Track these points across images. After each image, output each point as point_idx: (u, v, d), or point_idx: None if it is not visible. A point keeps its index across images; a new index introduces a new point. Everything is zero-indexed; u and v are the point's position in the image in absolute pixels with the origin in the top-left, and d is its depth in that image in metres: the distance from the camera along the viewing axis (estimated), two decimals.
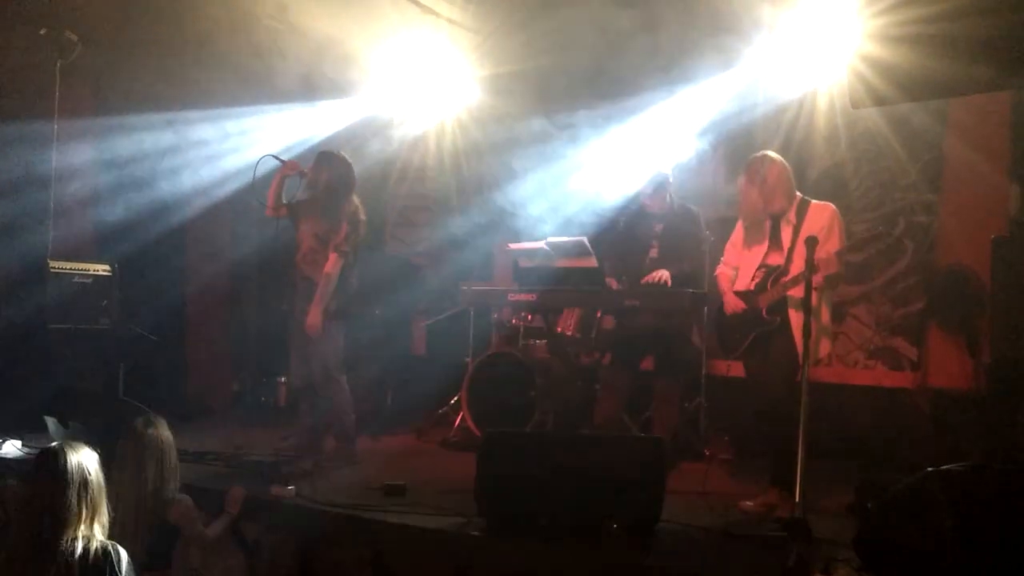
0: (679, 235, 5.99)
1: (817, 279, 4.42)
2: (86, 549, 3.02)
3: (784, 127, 6.73)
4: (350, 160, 5.88)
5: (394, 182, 8.71)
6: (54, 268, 6.47)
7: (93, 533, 3.10)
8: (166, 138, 7.39)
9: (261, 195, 5.83)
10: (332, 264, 5.66)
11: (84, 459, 3.18)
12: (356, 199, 5.86)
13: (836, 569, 3.75)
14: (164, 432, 4.14)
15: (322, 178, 5.75)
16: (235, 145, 7.49)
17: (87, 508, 3.11)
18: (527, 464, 4.25)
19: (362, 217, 5.87)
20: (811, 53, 6.31)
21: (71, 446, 3.21)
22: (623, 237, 6.29)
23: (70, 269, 6.54)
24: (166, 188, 7.49)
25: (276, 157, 5.79)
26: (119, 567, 3.05)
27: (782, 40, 6.35)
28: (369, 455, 6.14)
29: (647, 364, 6.20)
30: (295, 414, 6.59)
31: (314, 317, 5.61)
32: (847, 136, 6.72)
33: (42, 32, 6.44)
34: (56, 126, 6.67)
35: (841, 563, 3.77)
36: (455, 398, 7.03)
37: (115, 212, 7.27)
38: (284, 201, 5.88)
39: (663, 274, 5.79)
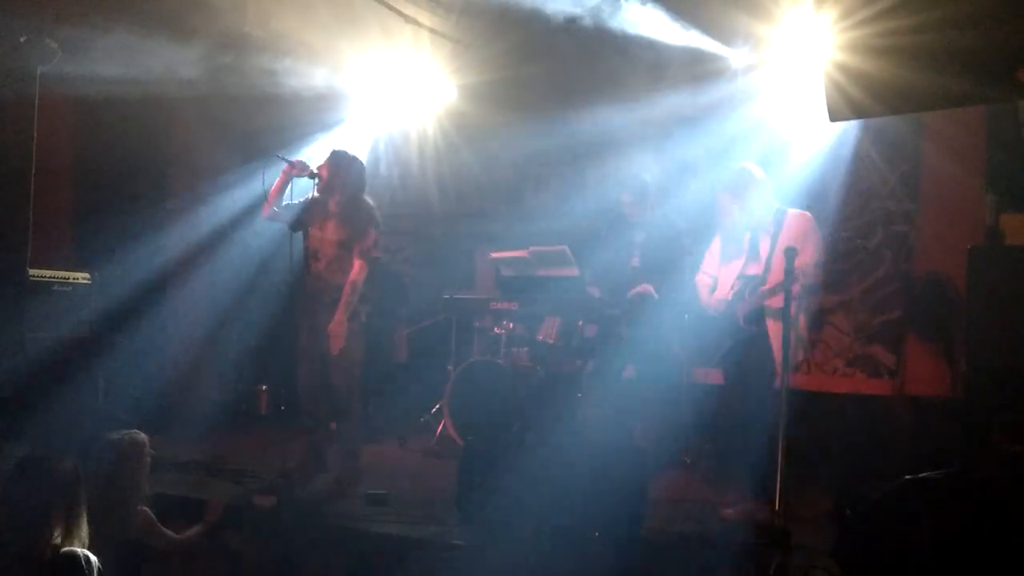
0: (660, 245, 6.01)
1: (795, 289, 4.45)
2: (57, 558, 3.01)
3: (763, 137, 6.77)
4: (360, 159, 5.70)
5: (377, 190, 8.69)
6: (33, 276, 6.42)
7: (70, 543, 3.08)
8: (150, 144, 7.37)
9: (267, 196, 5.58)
10: (359, 271, 5.47)
11: (65, 468, 3.17)
12: (370, 200, 5.71)
13: None
14: (132, 447, 4.09)
15: (340, 180, 5.53)
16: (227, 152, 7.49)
17: (65, 518, 3.09)
18: (509, 472, 4.26)
19: (379, 219, 5.72)
20: (790, 64, 6.37)
21: (52, 455, 3.19)
22: (604, 246, 6.30)
23: (49, 277, 6.49)
24: (148, 195, 7.45)
25: (283, 157, 5.52)
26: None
27: (761, 50, 6.41)
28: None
29: (628, 372, 6.22)
30: (279, 424, 6.56)
31: (339, 325, 5.40)
32: (826, 146, 6.77)
33: (22, 39, 6.40)
34: (36, 134, 6.63)
35: (820, 570, 3.80)
36: (437, 406, 7.02)
37: (96, 219, 7.22)
38: (284, 204, 5.60)
39: (647, 287, 5.82)
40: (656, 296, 5.77)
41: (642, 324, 5.81)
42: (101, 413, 5.85)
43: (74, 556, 3.03)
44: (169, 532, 4.18)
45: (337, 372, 5.53)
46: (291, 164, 5.49)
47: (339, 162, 5.56)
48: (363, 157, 5.84)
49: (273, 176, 5.55)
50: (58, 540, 3.03)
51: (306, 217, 5.61)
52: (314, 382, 5.61)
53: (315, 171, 5.53)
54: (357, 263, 5.49)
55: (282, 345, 5.98)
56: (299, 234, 5.63)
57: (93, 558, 3.08)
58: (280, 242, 6.27)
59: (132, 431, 4.16)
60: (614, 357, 6.04)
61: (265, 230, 5.80)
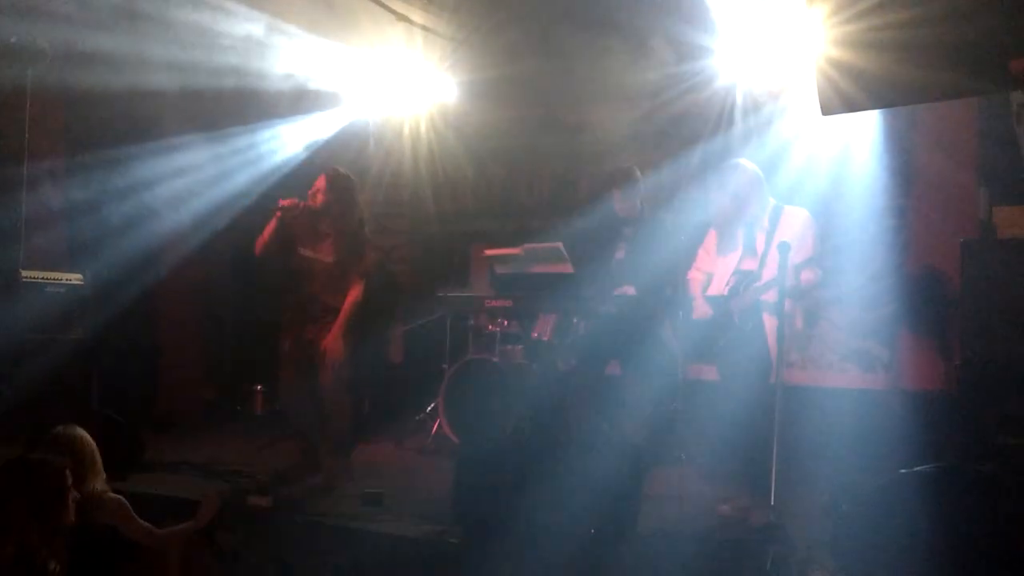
0: (649, 238, 5.98)
1: (790, 284, 4.45)
2: (17, 561, 3.00)
3: (756, 132, 6.77)
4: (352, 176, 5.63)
5: (369, 189, 8.70)
6: (26, 277, 6.41)
7: (50, 544, 3.08)
8: (146, 146, 7.35)
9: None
10: (359, 293, 5.45)
11: (52, 471, 3.16)
12: (363, 211, 5.67)
13: (812, 571, 3.79)
14: (78, 434, 4.05)
15: (338, 203, 5.45)
16: (216, 158, 7.47)
17: (48, 519, 3.09)
18: (504, 471, 4.26)
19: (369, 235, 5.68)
20: (781, 58, 6.37)
21: (41, 457, 3.18)
22: (590, 236, 6.26)
23: (42, 278, 6.47)
24: (141, 196, 7.43)
25: (276, 208, 5.39)
26: None
27: (752, 46, 6.41)
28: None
29: (623, 369, 6.22)
30: (275, 426, 6.54)
31: (336, 344, 5.35)
32: (818, 140, 6.78)
33: (12, 40, 6.38)
34: (27, 136, 6.60)
35: (817, 565, 3.80)
36: (432, 405, 7.01)
37: (88, 221, 7.20)
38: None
39: (628, 290, 5.81)
40: (634, 294, 5.74)
41: (635, 321, 5.81)
42: (94, 414, 5.82)
43: (33, 561, 3.02)
44: (149, 525, 4.15)
45: (324, 374, 5.48)
46: (282, 209, 5.37)
47: (336, 183, 5.48)
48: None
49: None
50: (26, 546, 3.02)
51: (292, 236, 5.51)
52: (300, 387, 5.57)
53: (303, 203, 5.42)
54: (358, 285, 5.46)
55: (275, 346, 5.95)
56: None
57: (56, 565, 3.07)
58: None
59: (69, 425, 4.12)
60: (607, 354, 6.04)
61: (257, 225, 5.77)
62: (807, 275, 4.65)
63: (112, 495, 4.06)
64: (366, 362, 6.39)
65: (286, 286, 5.63)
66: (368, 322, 5.79)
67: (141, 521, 4.10)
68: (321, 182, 5.48)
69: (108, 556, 3.98)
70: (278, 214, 5.37)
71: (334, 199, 5.44)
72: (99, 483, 4.03)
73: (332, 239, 5.48)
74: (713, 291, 5.06)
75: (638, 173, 6.05)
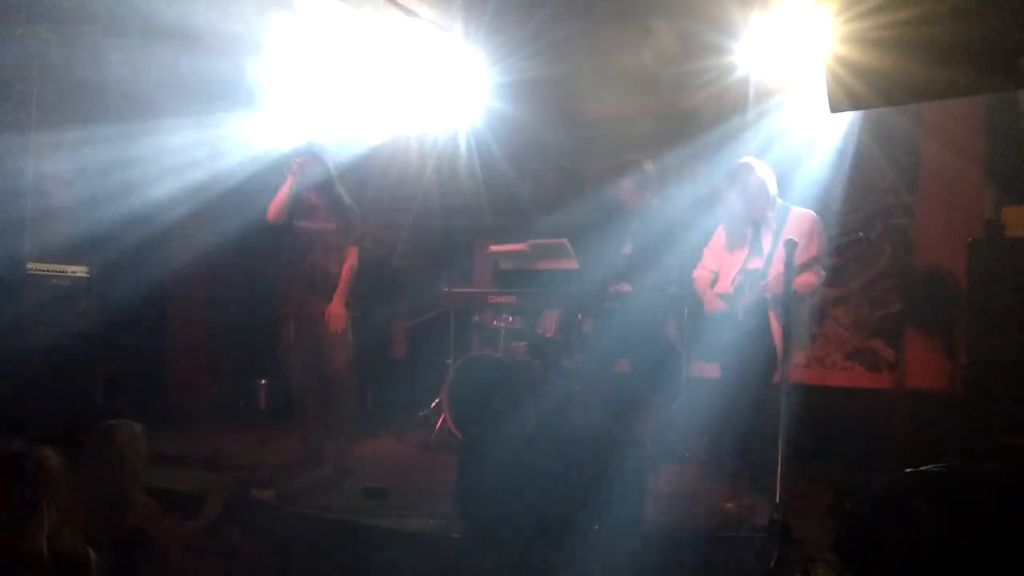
0: (655, 234, 5.98)
1: (797, 282, 4.43)
2: (55, 552, 2.98)
3: (763, 131, 6.75)
4: None
5: (374, 183, 8.69)
6: (31, 269, 6.41)
7: (65, 536, 3.06)
8: (147, 139, 7.33)
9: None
10: (355, 257, 5.76)
11: (52, 461, 3.14)
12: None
13: (816, 570, 3.78)
14: (125, 435, 4.04)
15: (322, 173, 5.75)
16: (216, 148, 7.44)
17: (57, 511, 3.07)
18: (508, 466, 4.25)
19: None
20: (788, 56, 6.35)
21: (39, 448, 3.17)
22: (597, 232, 6.25)
23: (47, 270, 6.48)
24: (146, 188, 7.42)
25: (295, 162, 5.70)
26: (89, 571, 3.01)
27: (762, 43, 6.40)
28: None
29: (626, 366, 6.21)
30: (279, 418, 6.53)
31: (338, 308, 5.63)
32: (825, 139, 6.76)
33: (18, 32, 6.38)
34: (33, 126, 6.60)
35: (821, 564, 3.79)
36: (436, 400, 7.01)
37: (93, 213, 7.20)
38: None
39: (626, 286, 5.81)
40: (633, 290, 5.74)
41: (639, 317, 5.80)
42: (99, 406, 5.83)
43: (71, 551, 3.01)
44: (170, 525, 4.15)
45: (332, 363, 5.67)
46: (298, 164, 5.66)
47: (316, 157, 5.79)
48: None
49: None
50: (52, 533, 3.01)
51: (288, 211, 5.75)
52: (307, 375, 5.72)
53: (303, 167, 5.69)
54: (353, 250, 5.77)
55: (278, 338, 5.96)
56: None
57: (91, 552, 3.06)
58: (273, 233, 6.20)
59: (125, 420, 4.11)
60: (611, 351, 6.03)
61: (261, 216, 5.81)
62: (808, 277, 4.64)
63: (146, 497, 4.05)
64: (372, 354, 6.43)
65: (287, 257, 5.82)
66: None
67: (168, 524, 4.10)
68: (309, 156, 5.76)
69: (136, 557, 3.99)
70: (294, 168, 5.65)
71: (323, 169, 5.77)
72: (138, 486, 4.02)
73: (325, 207, 5.75)
74: (719, 289, 5.06)
75: (648, 164, 6.04)
